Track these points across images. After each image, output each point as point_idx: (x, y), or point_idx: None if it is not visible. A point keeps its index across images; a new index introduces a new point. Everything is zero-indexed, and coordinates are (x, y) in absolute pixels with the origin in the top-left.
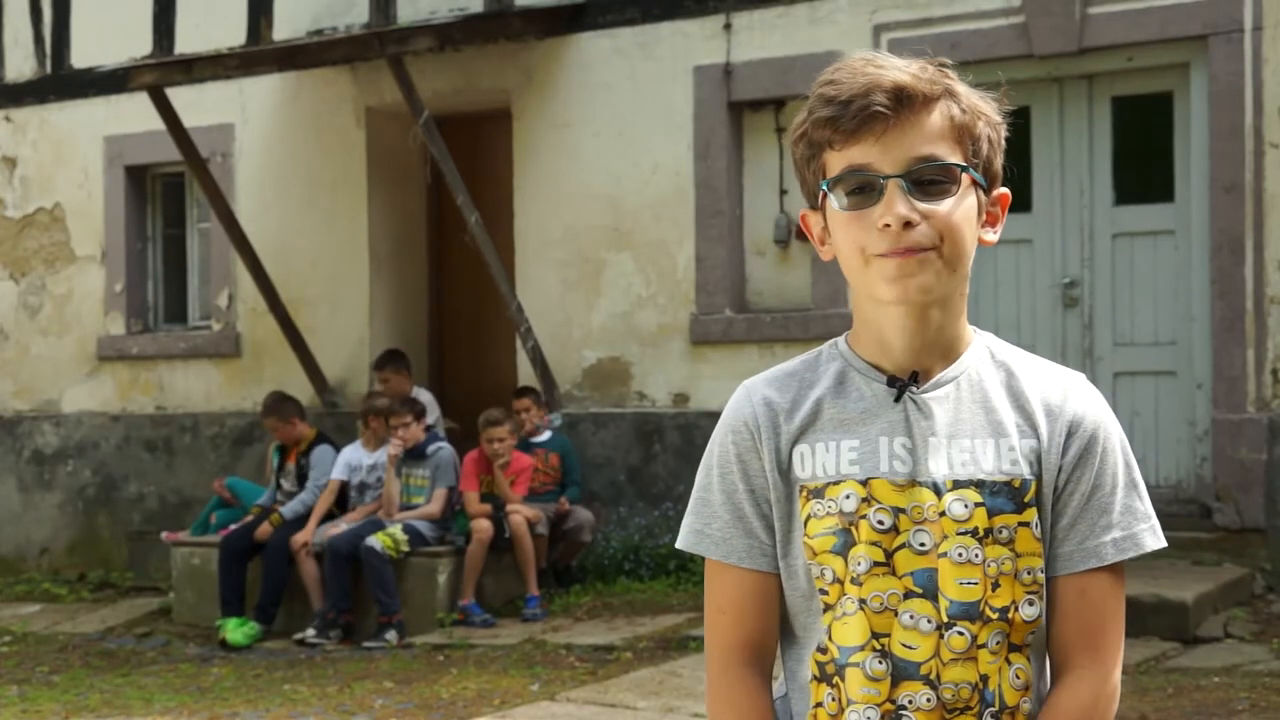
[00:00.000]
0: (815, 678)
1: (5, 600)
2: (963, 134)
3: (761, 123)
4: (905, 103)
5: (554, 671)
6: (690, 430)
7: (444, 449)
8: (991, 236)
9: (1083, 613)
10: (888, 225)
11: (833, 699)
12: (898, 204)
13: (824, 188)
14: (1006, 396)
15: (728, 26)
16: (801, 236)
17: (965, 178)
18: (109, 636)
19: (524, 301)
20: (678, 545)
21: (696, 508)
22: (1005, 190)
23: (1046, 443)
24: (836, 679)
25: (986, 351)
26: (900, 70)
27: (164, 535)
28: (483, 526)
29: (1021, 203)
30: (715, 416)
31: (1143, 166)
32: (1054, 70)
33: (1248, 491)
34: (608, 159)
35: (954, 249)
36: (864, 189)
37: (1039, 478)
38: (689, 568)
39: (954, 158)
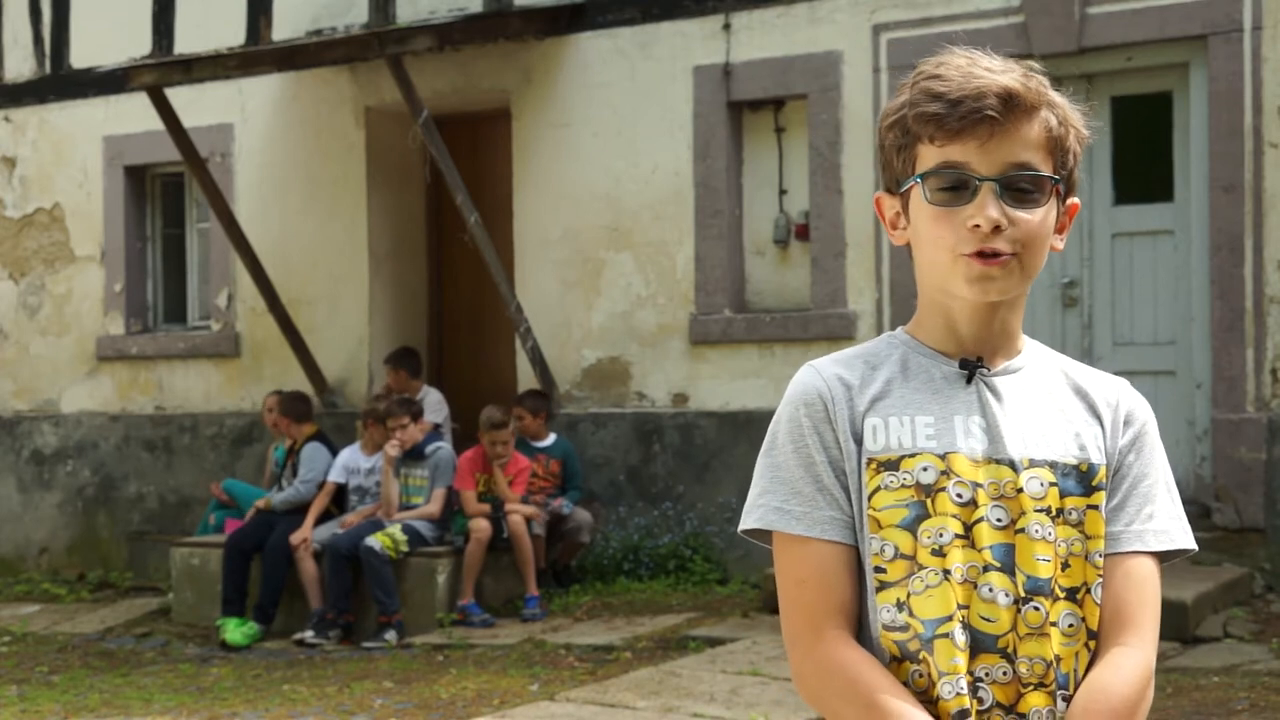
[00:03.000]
0: (896, 658)
1: (5, 600)
2: (1055, 145)
3: (761, 122)
4: (1013, 108)
5: (553, 671)
6: (690, 430)
7: (442, 449)
8: (1059, 244)
9: (1126, 592)
10: (977, 226)
11: (920, 675)
12: (990, 206)
13: (916, 180)
14: (1069, 389)
15: (727, 26)
16: (801, 236)
17: (1052, 189)
18: (108, 636)
19: (523, 301)
20: (752, 526)
21: (771, 487)
22: (1076, 200)
23: (1109, 430)
24: (923, 654)
25: (1040, 350)
26: (1007, 75)
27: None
28: (481, 526)
29: None
30: (715, 416)
31: (1142, 166)
32: (1053, 70)
33: (1247, 491)
34: (607, 159)
35: (1033, 258)
36: (957, 187)
37: (1106, 465)
38: (688, 568)
39: (1046, 168)
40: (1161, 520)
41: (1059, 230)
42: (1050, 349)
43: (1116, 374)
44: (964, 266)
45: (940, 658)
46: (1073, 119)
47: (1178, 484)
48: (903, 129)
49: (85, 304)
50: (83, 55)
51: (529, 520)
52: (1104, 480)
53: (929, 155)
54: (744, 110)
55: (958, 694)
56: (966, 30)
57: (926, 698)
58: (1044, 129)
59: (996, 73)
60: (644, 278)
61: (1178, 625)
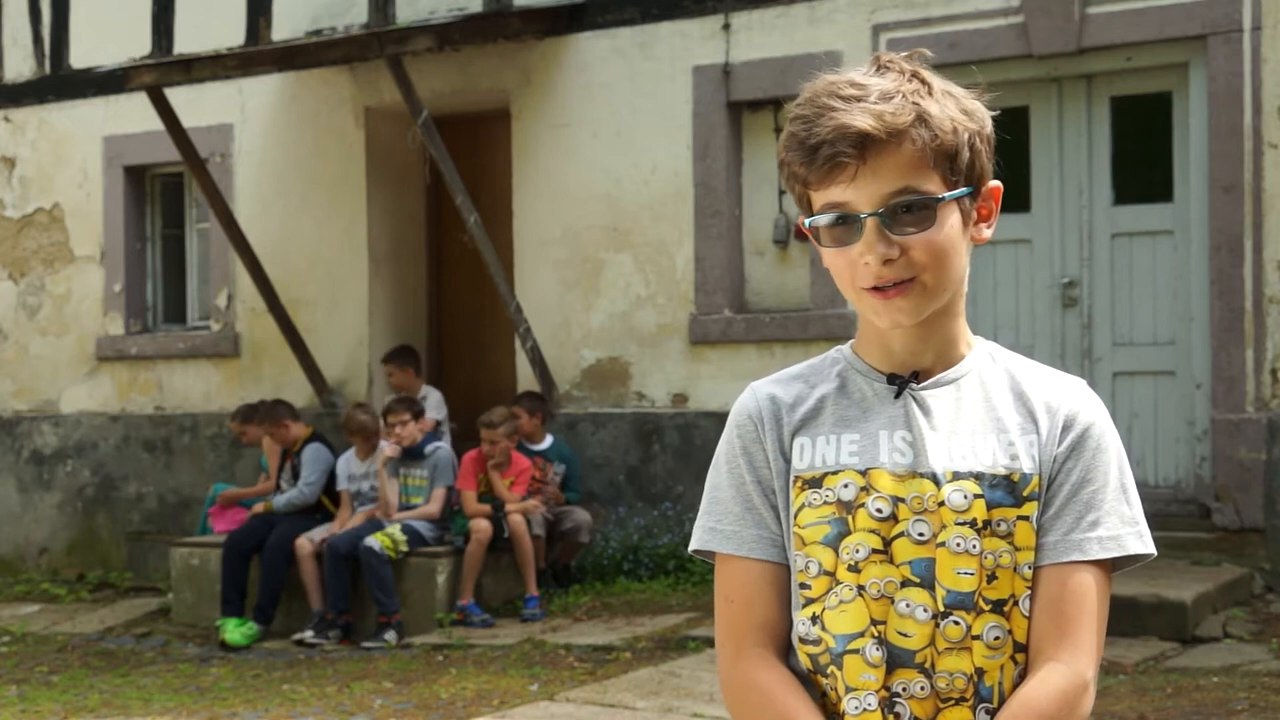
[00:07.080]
0: (811, 670)
1: (5, 600)
2: (938, 156)
3: (760, 123)
4: (871, 147)
5: (553, 671)
6: (689, 430)
7: (441, 449)
8: (987, 232)
9: (1061, 604)
10: (868, 263)
11: (831, 689)
12: (876, 243)
13: (808, 224)
14: (1009, 395)
15: (726, 26)
16: (801, 237)
17: (947, 201)
18: (108, 637)
19: (523, 301)
20: (692, 548)
21: (709, 508)
22: (997, 183)
23: (1045, 437)
24: (832, 668)
25: (988, 355)
26: (865, 109)
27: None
28: (481, 526)
29: (1020, 203)
30: (714, 416)
31: (1142, 166)
32: (1053, 70)
33: (1247, 491)
34: (607, 159)
35: (936, 276)
36: (844, 224)
37: (1040, 474)
38: (688, 568)
39: (930, 184)
40: (1109, 526)
41: (984, 218)
42: (1004, 350)
43: (1116, 375)
44: (868, 301)
45: (850, 673)
46: (956, 119)
47: (1178, 484)
48: (789, 172)
49: (85, 304)
50: (82, 55)
51: (529, 518)
52: (1037, 490)
53: (814, 198)
54: (743, 110)
55: (864, 710)
56: (966, 30)
57: (836, 712)
58: (917, 147)
59: (855, 105)
60: (644, 278)
61: (1177, 625)
